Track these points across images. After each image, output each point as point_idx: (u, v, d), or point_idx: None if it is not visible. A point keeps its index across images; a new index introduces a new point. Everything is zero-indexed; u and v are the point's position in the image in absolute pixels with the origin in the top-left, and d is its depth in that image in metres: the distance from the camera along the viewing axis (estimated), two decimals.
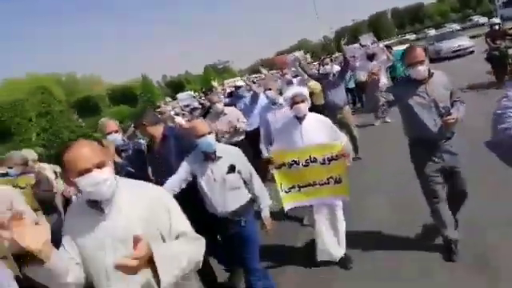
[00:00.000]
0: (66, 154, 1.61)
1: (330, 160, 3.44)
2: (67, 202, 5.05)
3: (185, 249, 1.66)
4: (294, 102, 3.61)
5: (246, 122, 5.79)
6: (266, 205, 3.24)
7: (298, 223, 4.91)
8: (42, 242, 1.43)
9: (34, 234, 1.41)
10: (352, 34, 33.78)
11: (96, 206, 1.69)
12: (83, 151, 1.61)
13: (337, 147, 3.43)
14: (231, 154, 3.12)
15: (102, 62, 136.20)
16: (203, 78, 48.40)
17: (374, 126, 9.25)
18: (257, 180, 3.22)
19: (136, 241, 1.45)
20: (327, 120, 3.72)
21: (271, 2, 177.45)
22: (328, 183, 3.49)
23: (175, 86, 47.06)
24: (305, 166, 3.50)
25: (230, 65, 68.23)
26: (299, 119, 3.65)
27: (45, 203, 4.50)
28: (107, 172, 1.64)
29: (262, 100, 6.30)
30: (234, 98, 7.61)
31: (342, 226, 3.72)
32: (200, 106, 9.32)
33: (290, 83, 7.64)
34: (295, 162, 3.51)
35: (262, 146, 5.12)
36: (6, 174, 4.98)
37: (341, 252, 3.73)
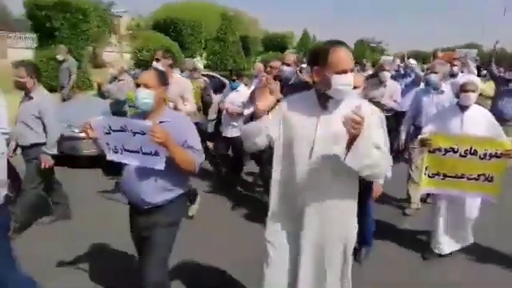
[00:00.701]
0: (332, 53, 1.82)
1: (491, 156, 3.14)
2: (220, 111, 5.76)
3: (376, 153, 1.82)
4: (463, 89, 3.41)
5: (397, 102, 5.58)
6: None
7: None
8: (265, 107, 1.94)
9: (267, 100, 1.94)
10: None
11: (324, 101, 1.93)
12: (347, 55, 1.84)
13: (505, 145, 3.13)
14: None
15: (260, 7, 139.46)
16: (355, 51, 47.20)
17: None
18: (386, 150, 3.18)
19: (359, 108, 1.65)
20: (490, 115, 3.45)
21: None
22: (477, 179, 3.23)
23: None
24: (462, 156, 3.22)
25: (383, 46, 64.31)
26: (462, 108, 3.46)
27: (206, 106, 5.28)
28: (353, 78, 1.87)
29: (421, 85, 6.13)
30: (398, 73, 7.32)
31: (470, 221, 3.55)
32: None
33: (453, 75, 7.01)
34: (453, 149, 3.24)
35: (402, 128, 4.94)
36: None
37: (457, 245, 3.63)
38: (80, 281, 3.11)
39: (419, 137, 3.49)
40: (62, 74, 8.53)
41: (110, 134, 2.22)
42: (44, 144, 3.71)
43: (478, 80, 3.59)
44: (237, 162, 5.37)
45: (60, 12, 13.34)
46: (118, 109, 4.95)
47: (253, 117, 2.03)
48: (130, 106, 4.42)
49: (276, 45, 34.58)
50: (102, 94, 5.24)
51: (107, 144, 2.27)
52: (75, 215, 4.31)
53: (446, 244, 3.61)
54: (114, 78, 5.35)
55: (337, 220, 1.99)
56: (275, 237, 2.11)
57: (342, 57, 1.82)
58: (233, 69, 7.82)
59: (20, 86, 3.67)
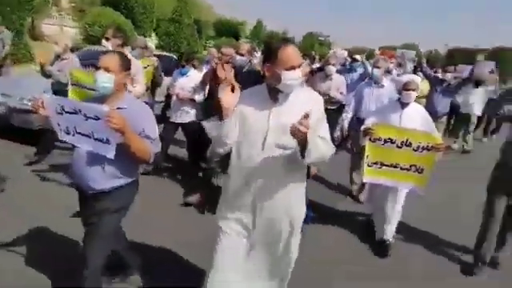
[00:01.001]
0: (281, 51, 1.88)
1: (423, 149, 3.32)
2: (169, 96, 5.53)
3: (323, 146, 1.97)
4: (405, 88, 3.57)
5: (344, 95, 5.64)
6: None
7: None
8: (231, 105, 1.93)
9: (232, 98, 1.93)
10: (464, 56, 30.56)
11: (275, 94, 1.98)
12: (296, 52, 1.92)
13: (436, 139, 3.34)
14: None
15: None
16: (303, 44, 47.57)
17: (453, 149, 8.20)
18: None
19: (306, 116, 1.72)
20: (425, 112, 3.67)
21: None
22: (409, 169, 3.39)
23: None
24: (399, 147, 3.36)
25: (329, 40, 65.75)
26: (403, 105, 3.64)
27: (154, 86, 5.05)
28: (300, 73, 1.92)
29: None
30: (343, 68, 7.41)
31: (398, 214, 3.72)
32: None
33: (389, 72, 7.24)
34: (391, 140, 3.37)
35: (344, 117, 5.00)
36: None
37: (388, 236, 3.76)
38: (16, 263, 2.88)
39: (362, 127, 3.60)
40: None
41: (62, 114, 2.07)
42: None
43: (419, 80, 3.78)
44: (192, 147, 5.18)
45: None
46: (59, 88, 4.57)
47: (213, 109, 1.97)
48: (72, 85, 4.05)
49: (228, 30, 33.90)
50: (44, 73, 4.84)
51: (58, 124, 2.13)
52: (18, 190, 4.02)
53: (380, 230, 3.81)
54: (58, 57, 4.92)
55: (287, 201, 2.07)
56: (228, 224, 2.12)
57: (291, 54, 1.90)
58: (185, 52, 7.56)
59: None
